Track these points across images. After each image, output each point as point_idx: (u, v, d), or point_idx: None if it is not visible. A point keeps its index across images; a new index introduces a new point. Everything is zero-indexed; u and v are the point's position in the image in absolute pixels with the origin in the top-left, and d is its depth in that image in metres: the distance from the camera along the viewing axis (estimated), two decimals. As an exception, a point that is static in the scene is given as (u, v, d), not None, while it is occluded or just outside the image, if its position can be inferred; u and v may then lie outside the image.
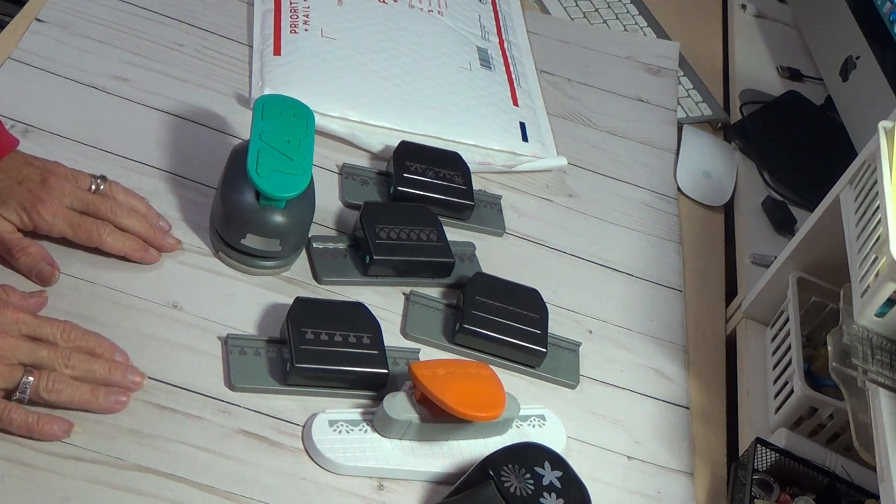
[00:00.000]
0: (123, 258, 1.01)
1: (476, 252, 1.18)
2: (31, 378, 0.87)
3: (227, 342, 0.99)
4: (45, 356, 0.89)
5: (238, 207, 1.02)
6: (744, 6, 1.73)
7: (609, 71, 1.52)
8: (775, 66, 1.64)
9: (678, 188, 1.40)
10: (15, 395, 0.87)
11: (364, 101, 1.27)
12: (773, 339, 1.19)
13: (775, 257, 1.22)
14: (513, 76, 1.41)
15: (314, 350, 0.98)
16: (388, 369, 1.00)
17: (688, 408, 1.15)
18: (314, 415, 0.97)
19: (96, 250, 1.01)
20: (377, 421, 0.97)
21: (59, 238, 1.00)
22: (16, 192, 0.98)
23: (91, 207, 1.01)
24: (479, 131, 1.31)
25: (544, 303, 1.13)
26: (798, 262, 1.18)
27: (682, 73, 1.57)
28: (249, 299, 1.04)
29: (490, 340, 1.08)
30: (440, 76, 1.34)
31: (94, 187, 1.02)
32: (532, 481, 0.93)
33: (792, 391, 1.09)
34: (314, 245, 1.10)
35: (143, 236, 1.02)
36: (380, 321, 1.03)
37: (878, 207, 1.00)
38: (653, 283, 1.27)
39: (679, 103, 1.52)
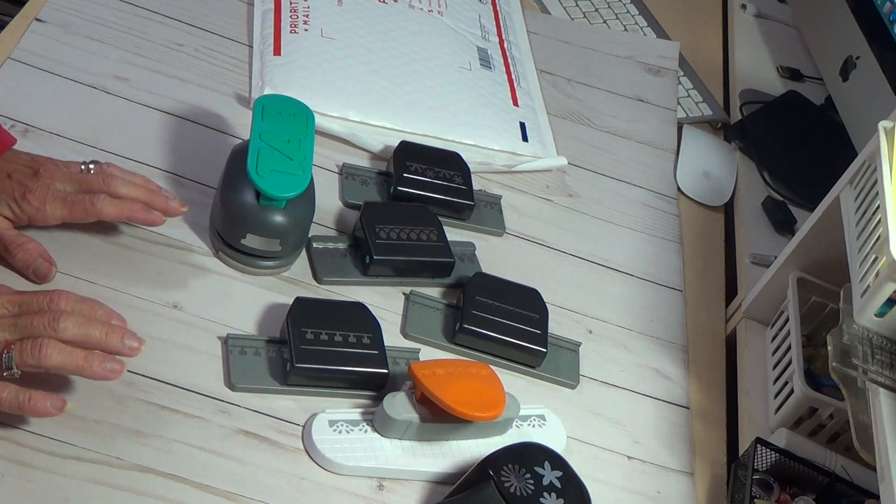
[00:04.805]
0: (127, 226, 0.99)
1: (476, 252, 1.18)
2: (11, 351, 0.84)
3: (227, 342, 0.99)
4: (28, 324, 0.85)
5: (238, 207, 1.02)
6: (744, 6, 1.73)
7: (609, 71, 1.52)
8: (775, 66, 1.64)
9: (678, 188, 1.40)
10: (4, 373, 0.84)
11: (364, 101, 1.27)
12: (773, 339, 1.19)
13: (775, 257, 1.22)
14: (513, 76, 1.41)
15: (314, 350, 0.98)
16: (388, 369, 1.00)
17: (688, 408, 1.15)
18: (314, 415, 0.97)
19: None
20: (377, 421, 0.97)
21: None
22: (6, 185, 0.97)
23: (83, 185, 0.99)
24: (479, 131, 1.31)
25: (544, 303, 1.13)
26: (798, 262, 1.18)
27: (682, 73, 1.57)
28: (249, 299, 1.04)
29: (490, 340, 1.08)
30: (440, 76, 1.34)
31: (83, 168, 1.00)
32: (532, 481, 0.93)
33: (792, 391, 1.09)
34: (314, 245, 1.10)
35: (143, 201, 1.00)
36: (380, 321, 1.03)
37: (878, 207, 1.00)
38: (653, 283, 1.27)
39: (679, 103, 1.52)
